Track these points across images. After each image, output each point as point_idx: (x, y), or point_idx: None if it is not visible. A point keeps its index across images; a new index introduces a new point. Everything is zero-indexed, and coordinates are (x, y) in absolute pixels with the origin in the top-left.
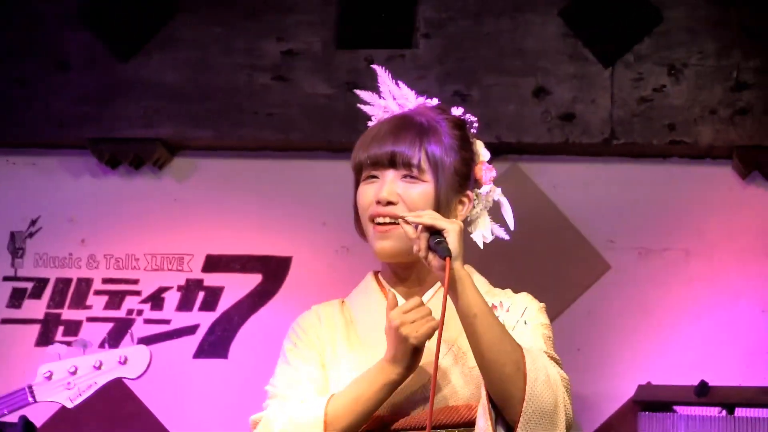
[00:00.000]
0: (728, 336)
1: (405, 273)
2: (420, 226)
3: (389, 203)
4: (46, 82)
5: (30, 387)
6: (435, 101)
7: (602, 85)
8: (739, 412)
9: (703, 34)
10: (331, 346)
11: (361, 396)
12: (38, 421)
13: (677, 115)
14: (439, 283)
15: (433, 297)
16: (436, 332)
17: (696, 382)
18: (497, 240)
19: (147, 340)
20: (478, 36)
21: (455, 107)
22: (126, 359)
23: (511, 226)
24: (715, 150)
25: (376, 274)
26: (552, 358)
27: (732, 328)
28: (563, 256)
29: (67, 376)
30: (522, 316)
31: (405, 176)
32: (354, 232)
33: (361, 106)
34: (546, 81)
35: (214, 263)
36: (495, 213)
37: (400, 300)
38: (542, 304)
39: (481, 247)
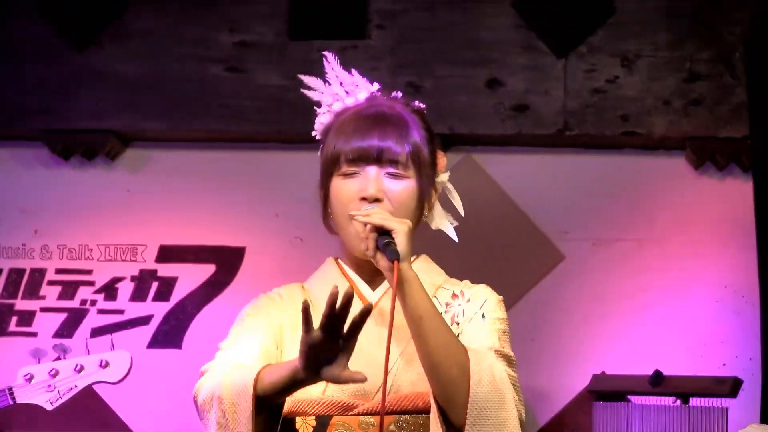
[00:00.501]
0: (682, 326)
1: (369, 264)
2: (369, 225)
3: (376, 200)
4: None
5: (10, 389)
6: (376, 86)
7: (555, 76)
8: (694, 401)
9: (656, 26)
10: (291, 329)
11: (282, 378)
12: None
13: (630, 106)
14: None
15: (389, 290)
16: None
17: (650, 372)
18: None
19: (101, 331)
20: (431, 27)
21: (396, 92)
22: (107, 363)
23: (461, 212)
24: (669, 141)
25: (336, 259)
26: (503, 355)
27: (685, 318)
28: (517, 246)
29: (48, 379)
30: (481, 308)
31: (389, 172)
32: (307, 223)
33: (306, 92)
34: (499, 72)
35: (167, 254)
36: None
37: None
38: (500, 297)
39: (456, 240)
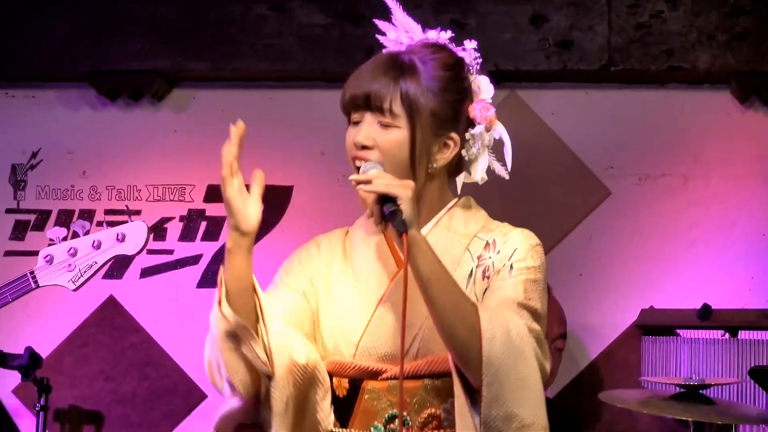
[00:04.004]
0: (729, 259)
1: None
2: (372, 194)
3: (364, 147)
4: (42, 15)
5: (32, 272)
6: (446, 35)
7: (599, 11)
8: (742, 334)
9: None
10: (325, 277)
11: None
12: (44, 353)
13: (675, 41)
14: (436, 218)
15: (429, 233)
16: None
17: (698, 306)
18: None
19: (150, 271)
20: None
21: (450, 35)
22: (124, 236)
23: (508, 165)
24: (713, 75)
25: None
26: (527, 307)
27: (733, 252)
28: (563, 182)
29: (68, 258)
30: (510, 259)
31: (380, 121)
32: None
33: (379, 37)
34: (543, 8)
35: (215, 193)
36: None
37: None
38: (535, 243)
39: (459, 190)
